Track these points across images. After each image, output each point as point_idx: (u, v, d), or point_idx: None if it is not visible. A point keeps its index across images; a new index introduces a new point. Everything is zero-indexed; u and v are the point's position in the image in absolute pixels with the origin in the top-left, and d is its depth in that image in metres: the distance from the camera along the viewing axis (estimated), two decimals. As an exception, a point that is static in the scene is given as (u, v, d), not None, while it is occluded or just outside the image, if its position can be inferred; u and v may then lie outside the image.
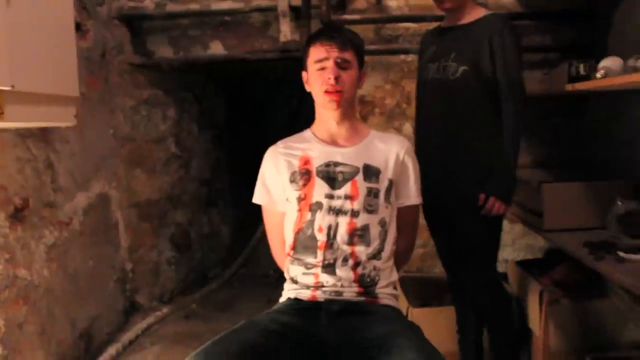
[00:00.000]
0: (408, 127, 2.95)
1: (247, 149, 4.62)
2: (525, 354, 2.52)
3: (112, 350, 2.62)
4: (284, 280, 1.70)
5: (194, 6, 2.90)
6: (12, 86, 1.52)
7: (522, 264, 2.75)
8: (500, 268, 2.93)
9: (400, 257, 1.71)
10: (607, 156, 2.64)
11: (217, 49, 3.03)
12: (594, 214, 2.29)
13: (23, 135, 2.05)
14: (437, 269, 2.95)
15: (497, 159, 1.97)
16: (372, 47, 2.73)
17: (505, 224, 2.92)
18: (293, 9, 2.76)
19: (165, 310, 3.14)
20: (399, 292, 2.22)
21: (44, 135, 2.19)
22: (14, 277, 1.97)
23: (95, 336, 2.61)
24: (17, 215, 2.00)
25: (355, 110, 1.78)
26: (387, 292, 1.59)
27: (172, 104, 3.40)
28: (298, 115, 4.59)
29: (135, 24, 2.99)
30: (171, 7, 2.92)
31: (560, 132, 2.94)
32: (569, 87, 2.12)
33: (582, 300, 2.38)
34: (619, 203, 2.08)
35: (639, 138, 2.24)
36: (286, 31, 2.76)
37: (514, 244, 3.01)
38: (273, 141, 1.79)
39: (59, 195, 2.30)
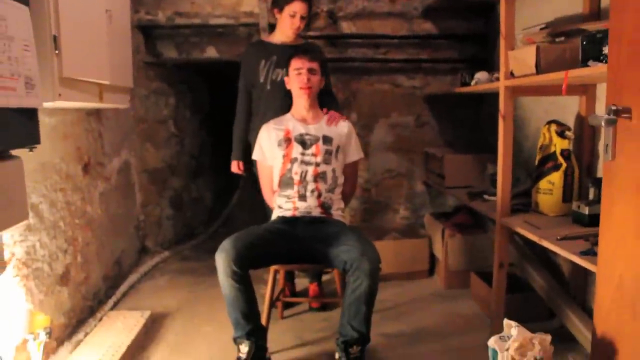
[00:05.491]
0: (354, 116, 3.72)
1: (224, 133, 5.37)
2: (432, 273, 3.43)
3: (133, 277, 3.35)
4: None
5: (196, 20, 3.56)
6: (110, 81, 2.27)
7: (434, 215, 3.60)
8: (420, 220, 3.93)
9: (347, 196, 2.58)
10: (492, 137, 3.33)
11: (211, 52, 3.67)
12: (478, 175, 3.16)
13: (89, 113, 2.77)
14: (375, 220, 3.89)
15: None
16: (329, 55, 3.30)
17: (424, 188, 3.92)
18: (270, 25, 3.46)
19: (166, 253, 3.85)
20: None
21: (98, 114, 2.91)
22: (84, 211, 2.69)
23: (122, 265, 3.31)
24: (86, 168, 2.72)
25: (317, 102, 2.61)
26: (338, 213, 2.45)
27: (172, 94, 4.01)
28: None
29: (149, 31, 3.62)
30: (178, 21, 3.55)
31: (464, 120, 3.78)
32: (458, 89, 2.99)
33: (471, 235, 3.20)
34: (489, 166, 2.95)
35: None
36: (265, 41, 3.51)
37: (431, 203, 3.85)
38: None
39: (105, 158, 3.01)
